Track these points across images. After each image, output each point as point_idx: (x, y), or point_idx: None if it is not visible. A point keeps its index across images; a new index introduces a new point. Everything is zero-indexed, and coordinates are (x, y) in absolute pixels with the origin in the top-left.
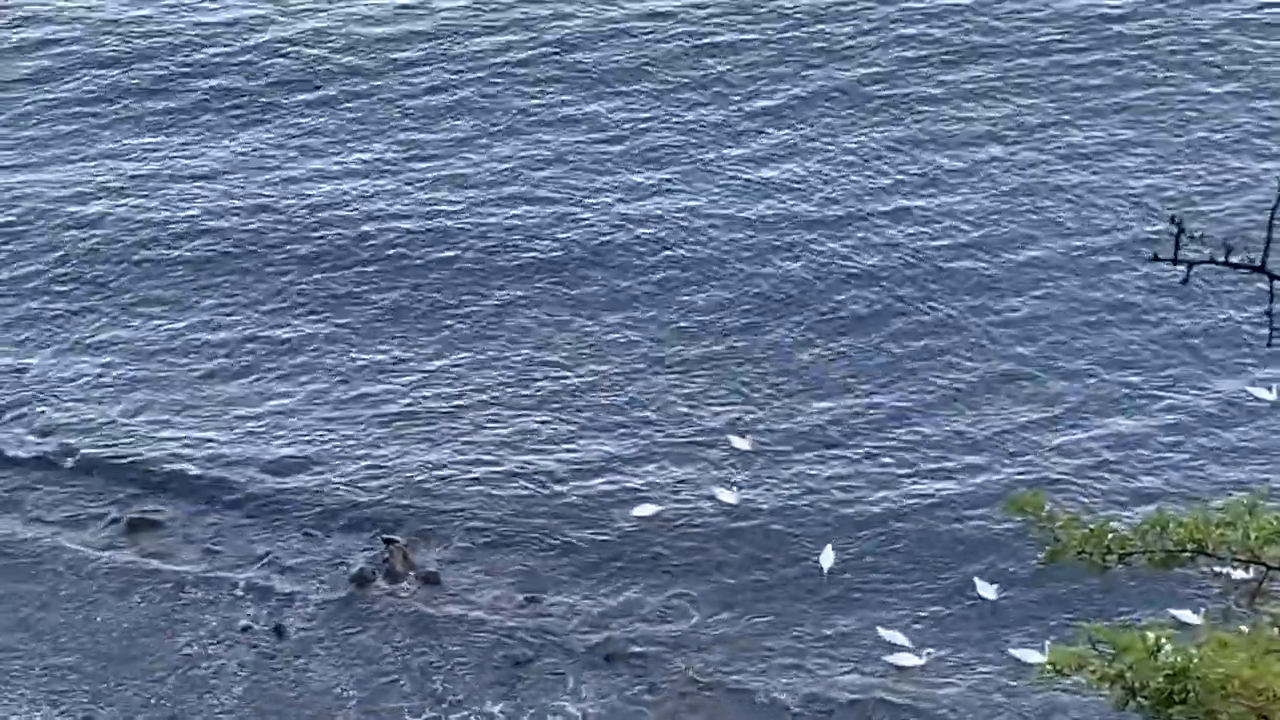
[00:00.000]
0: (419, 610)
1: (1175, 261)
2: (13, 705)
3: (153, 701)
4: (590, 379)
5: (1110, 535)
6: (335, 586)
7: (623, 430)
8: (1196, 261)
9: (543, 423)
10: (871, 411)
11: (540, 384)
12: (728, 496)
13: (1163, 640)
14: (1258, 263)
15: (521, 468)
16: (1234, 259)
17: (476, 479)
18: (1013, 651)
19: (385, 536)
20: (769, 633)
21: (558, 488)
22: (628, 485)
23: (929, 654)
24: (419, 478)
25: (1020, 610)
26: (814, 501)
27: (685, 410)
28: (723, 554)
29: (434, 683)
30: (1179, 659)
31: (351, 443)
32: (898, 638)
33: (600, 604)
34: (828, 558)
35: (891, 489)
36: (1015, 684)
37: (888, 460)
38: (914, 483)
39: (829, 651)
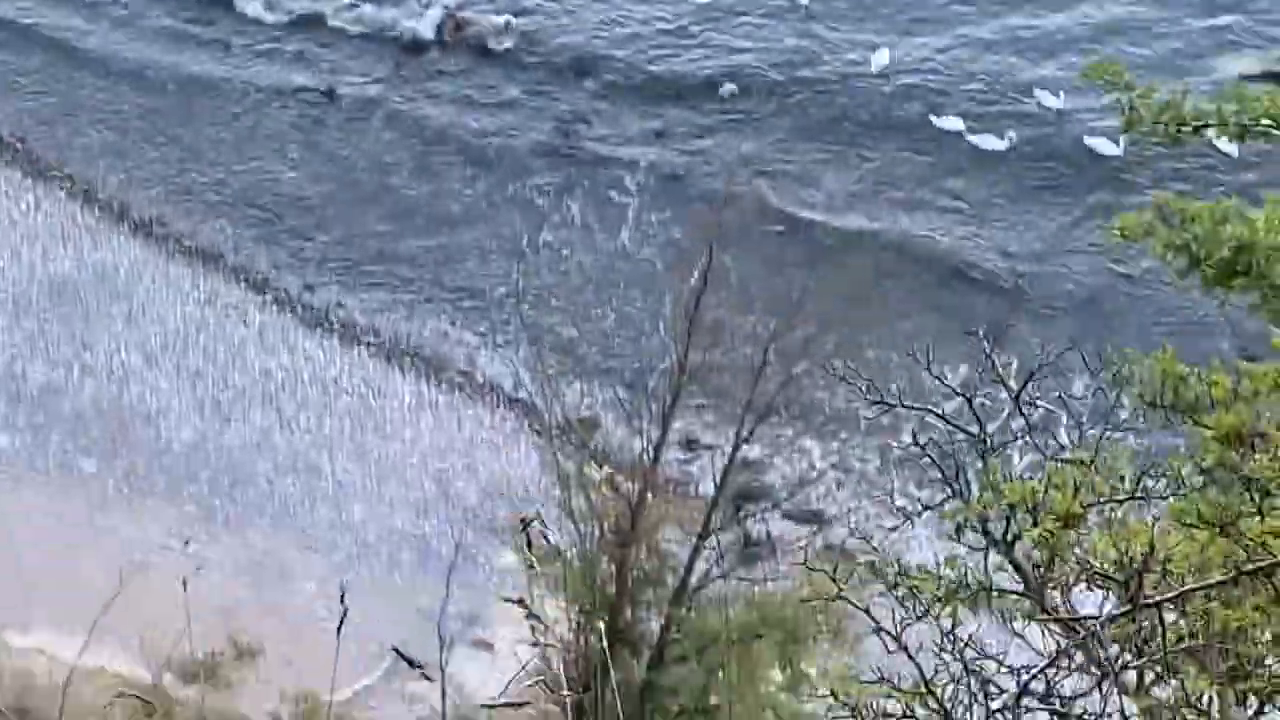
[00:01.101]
0: (472, 80)
1: None
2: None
3: (206, 153)
4: None
5: (1187, 105)
6: (385, 53)
7: None
8: None
9: None
10: None
11: None
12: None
13: (1229, 208)
14: None
15: None
16: None
17: None
18: (1087, 140)
19: (443, 3)
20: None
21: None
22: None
23: (1064, 93)
24: None
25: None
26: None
27: None
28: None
29: (486, 150)
30: (1245, 232)
31: None
32: (955, 123)
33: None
34: (881, 57)
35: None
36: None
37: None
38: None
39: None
